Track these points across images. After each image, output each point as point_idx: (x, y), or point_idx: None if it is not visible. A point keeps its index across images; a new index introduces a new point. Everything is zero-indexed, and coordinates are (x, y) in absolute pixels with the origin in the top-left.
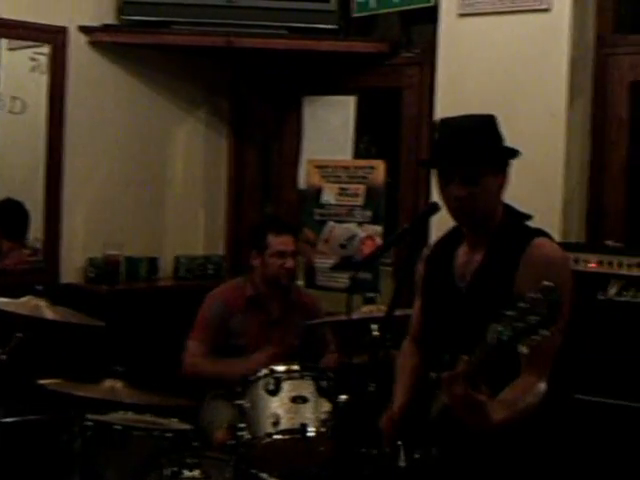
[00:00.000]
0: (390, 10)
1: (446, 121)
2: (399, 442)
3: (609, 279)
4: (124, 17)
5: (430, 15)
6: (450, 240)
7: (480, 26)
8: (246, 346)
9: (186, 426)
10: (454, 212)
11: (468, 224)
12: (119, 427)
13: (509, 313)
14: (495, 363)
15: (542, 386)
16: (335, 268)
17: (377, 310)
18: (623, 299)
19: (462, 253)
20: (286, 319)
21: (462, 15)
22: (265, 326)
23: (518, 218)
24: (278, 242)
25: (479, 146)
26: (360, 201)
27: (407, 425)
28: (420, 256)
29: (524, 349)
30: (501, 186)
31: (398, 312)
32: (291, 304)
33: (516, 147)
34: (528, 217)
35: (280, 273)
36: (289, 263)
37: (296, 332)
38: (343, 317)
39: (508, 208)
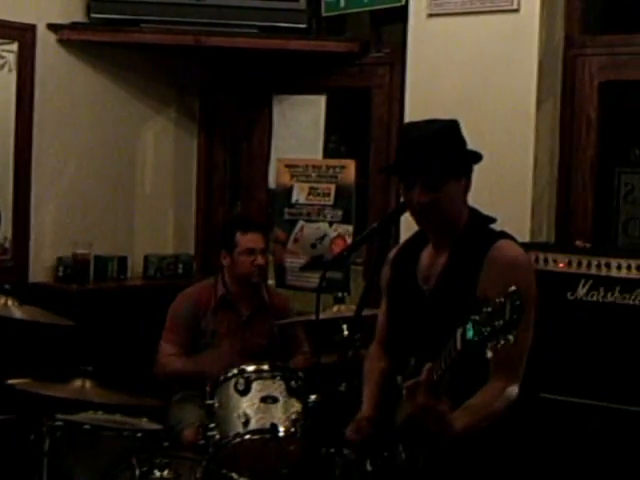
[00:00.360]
0: (359, 10)
1: (409, 126)
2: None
3: (578, 279)
4: (93, 15)
5: (400, 15)
6: (415, 243)
7: (449, 26)
8: (217, 346)
9: (156, 426)
10: (416, 217)
11: (431, 229)
12: (88, 427)
13: (475, 318)
14: (461, 369)
15: (512, 390)
16: (305, 268)
17: (347, 310)
18: (592, 299)
19: (426, 256)
20: (257, 319)
21: (431, 15)
22: (236, 326)
23: (482, 221)
24: (247, 240)
25: (440, 154)
26: (330, 200)
27: (376, 431)
28: (386, 259)
29: (489, 353)
30: (465, 190)
31: (367, 312)
32: (262, 304)
33: (480, 150)
34: (492, 220)
35: (250, 271)
36: (259, 260)
37: (266, 332)
38: (312, 317)
39: (473, 211)
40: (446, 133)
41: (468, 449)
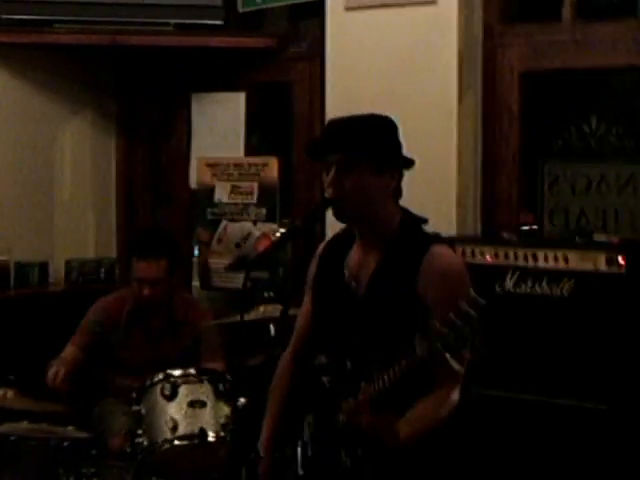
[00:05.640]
0: (276, 5)
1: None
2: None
3: (506, 271)
4: (3, 16)
5: (318, 9)
6: (344, 239)
7: (367, 19)
8: (127, 360)
9: (83, 434)
10: (331, 204)
11: (349, 221)
12: (13, 437)
13: (436, 326)
14: (410, 380)
15: (455, 397)
16: (230, 268)
17: (273, 310)
18: (520, 291)
19: (354, 255)
20: (168, 334)
21: (349, 9)
22: (148, 341)
23: (415, 223)
24: (138, 268)
25: (356, 136)
26: (254, 198)
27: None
28: (314, 254)
29: (455, 364)
30: (386, 188)
31: (294, 311)
32: (174, 320)
33: (403, 143)
34: (424, 221)
35: (141, 298)
36: (146, 291)
37: (177, 347)
38: (234, 319)
39: (405, 213)
40: (371, 122)
41: (411, 451)
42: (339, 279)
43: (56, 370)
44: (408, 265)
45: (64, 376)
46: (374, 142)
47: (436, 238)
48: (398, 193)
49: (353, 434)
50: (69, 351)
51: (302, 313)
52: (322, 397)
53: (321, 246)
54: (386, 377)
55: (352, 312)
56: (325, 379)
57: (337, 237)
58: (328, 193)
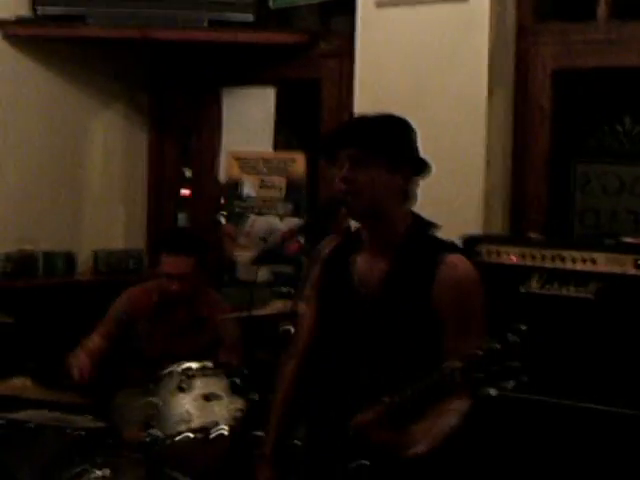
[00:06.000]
0: (305, 2)
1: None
2: None
3: (532, 272)
4: (37, 9)
5: (349, 5)
6: (347, 245)
7: (399, 16)
8: (148, 352)
9: (99, 424)
10: (341, 201)
11: (358, 215)
12: (31, 425)
13: (478, 353)
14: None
15: (466, 404)
16: (256, 262)
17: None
18: (545, 292)
19: (362, 260)
20: (192, 330)
21: (380, 5)
22: (170, 335)
23: (426, 228)
24: (168, 262)
25: (366, 131)
26: (281, 193)
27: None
28: (316, 257)
29: (493, 391)
30: (398, 189)
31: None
32: (199, 316)
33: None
34: (436, 226)
35: (168, 293)
36: (174, 286)
37: (199, 343)
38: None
39: (416, 217)
40: (385, 120)
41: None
42: (347, 284)
43: (81, 365)
44: (422, 274)
45: (89, 372)
46: (387, 139)
47: (450, 247)
48: (411, 197)
49: (366, 447)
50: (94, 340)
51: (304, 321)
52: (327, 404)
53: (324, 248)
54: (408, 393)
55: (361, 318)
56: (330, 386)
57: (341, 242)
58: (340, 187)
